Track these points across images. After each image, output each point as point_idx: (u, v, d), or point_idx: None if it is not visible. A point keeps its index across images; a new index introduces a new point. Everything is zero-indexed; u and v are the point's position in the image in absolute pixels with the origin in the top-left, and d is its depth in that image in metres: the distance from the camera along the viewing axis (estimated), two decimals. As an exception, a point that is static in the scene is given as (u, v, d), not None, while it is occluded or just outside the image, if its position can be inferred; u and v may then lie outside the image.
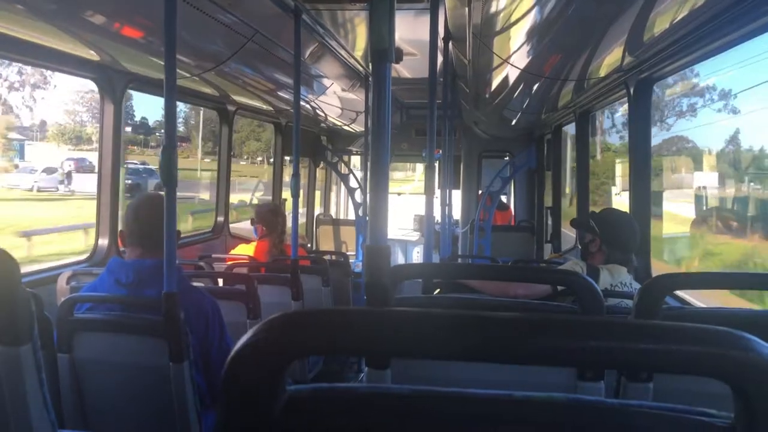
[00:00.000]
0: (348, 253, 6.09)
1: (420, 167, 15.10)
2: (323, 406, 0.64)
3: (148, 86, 4.16)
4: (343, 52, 4.88)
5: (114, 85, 3.79)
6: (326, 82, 5.65)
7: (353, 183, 7.81)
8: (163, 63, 2.27)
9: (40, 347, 1.61)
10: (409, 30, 4.37)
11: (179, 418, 2.21)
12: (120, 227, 2.47)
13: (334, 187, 9.71)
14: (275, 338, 0.60)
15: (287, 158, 7.16)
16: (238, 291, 3.07)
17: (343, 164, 8.11)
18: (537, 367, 1.16)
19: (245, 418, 0.61)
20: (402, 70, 5.78)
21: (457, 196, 7.88)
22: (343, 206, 9.90)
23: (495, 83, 4.69)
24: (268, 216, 4.51)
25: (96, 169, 3.86)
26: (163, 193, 2.27)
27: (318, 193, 9.05)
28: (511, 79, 4.27)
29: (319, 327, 0.60)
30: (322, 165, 8.55)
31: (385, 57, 1.65)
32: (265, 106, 6.02)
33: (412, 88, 6.62)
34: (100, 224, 3.84)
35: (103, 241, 3.82)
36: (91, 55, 3.38)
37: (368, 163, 6.84)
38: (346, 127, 8.14)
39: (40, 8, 2.59)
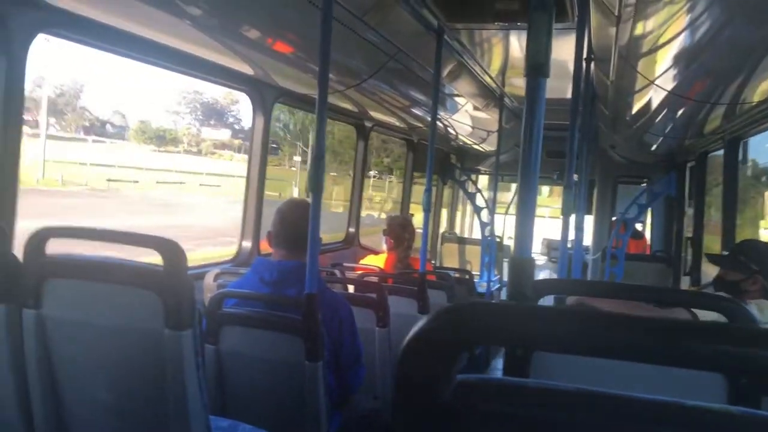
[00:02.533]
0: (473, 272, 6.08)
1: (546, 190, 14.74)
2: (491, 395, 0.68)
3: (296, 101, 4.41)
4: (479, 71, 4.91)
5: (264, 98, 4.05)
6: (460, 100, 5.71)
7: (480, 202, 7.79)
8: (309, 78, 2.42)
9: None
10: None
11: (310, 415, 2.32)
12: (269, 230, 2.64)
13: (460, 206, 9.72)
14: (451, 326, 0.64)
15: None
16: (368, 299, 3.17)
17: (471, 183, 8.11)
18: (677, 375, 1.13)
19: (418, 402, 0.66)
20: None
21: (588, 221, 7.63)
22: (468, 225, 9.88)
23: (637, 106, 4.54)
24: (398, 229, 4.61)
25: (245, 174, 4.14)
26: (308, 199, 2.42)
27: (444, 211, 9.09)
28: (655, 103, 4.11)
29: (493, 318, 0.64)
30: (449, 183, 8.59)
31: (540, 72, 1.67)
32: (398, 123, 6.17)
33: (548, 109, 6.51)
34: (245, 228, 4.11)
35: (247, 243, 4.09)
36: (246, 68, 3.63)
37: (497, 183, 6.78)
38: (475, 147, 8.15)
39: (205, 23, 2.83)
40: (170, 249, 1.74)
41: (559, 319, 0.63)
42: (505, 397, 0.67)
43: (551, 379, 0.74)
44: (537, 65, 1.66)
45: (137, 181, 37.83)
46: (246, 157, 4.34)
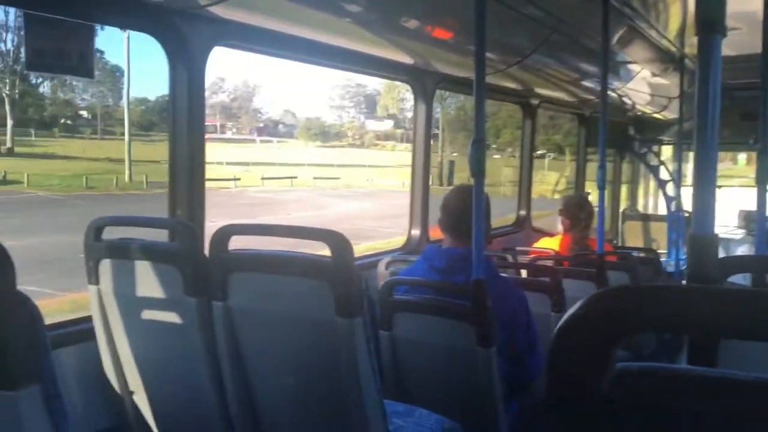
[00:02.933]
0: (659, 251, 5.66)
1: (742, 158, 13.32)
2: (655, 386, 0.61)
3: (456, 85, 4.37)
4: (654, 34, 4.54)
5: (425, 86, 4.07)
6: (634, 68, 5.33)
7: (664, 175, 7.22)
8: (469, 61, 2.38)
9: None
10: (733, 0, 3.89)
11: (486, 402, 2.29)
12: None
13: (641, 181, 9.10)
14: (607, 310, 0.59)
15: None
16: (542, 283, 3.07)
17: (652, 155, 7.55)
18: None
19: (572, 389, 0.61)
20: (723, 47, 5.17)
21: None
22: (652, 200, 9.23)
23: None
24: (574, 209, 4.41)
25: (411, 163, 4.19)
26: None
27: (624, 187, 8.57)
28: None
29: (649, 302, 0.57)
30: (628, 157, 8.07)
31: (713, 28, 1.50)
32: (567, 98, 5.90)
33: (737, 67, 5.87)
34: (413, 215, 4.17)
35: (416, 231, 4.15)
36: (406, 58, 3.67)
37: (681, 153, 6.24)
38: (656, 115, 7.57)
39: (365, 18, 2.89)
40: (338, 241, 1.80)
41: (730, 302, 0.54)
42: (672, 389, 0.59)
43: (743, 370, 0.65)
44: (710, 21, 1.49)
45: (295, 177, 39.35)
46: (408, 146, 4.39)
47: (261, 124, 56.44)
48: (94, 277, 2.16)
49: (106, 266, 2.13)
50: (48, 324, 2.26)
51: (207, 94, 2.63)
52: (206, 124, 2.62)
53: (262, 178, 38.35)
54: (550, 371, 0.62)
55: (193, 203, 2.58)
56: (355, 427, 1.87)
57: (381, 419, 1.87)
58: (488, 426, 2.31)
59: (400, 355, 2.50)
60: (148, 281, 2.06)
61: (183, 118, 2.57)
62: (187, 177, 2.57)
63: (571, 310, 0.64)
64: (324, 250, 1.85)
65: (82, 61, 2.28)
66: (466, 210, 2.41)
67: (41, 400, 1.03)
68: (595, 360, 0.60)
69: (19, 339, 1.01)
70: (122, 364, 2.21)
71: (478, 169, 2.34)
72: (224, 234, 1.99)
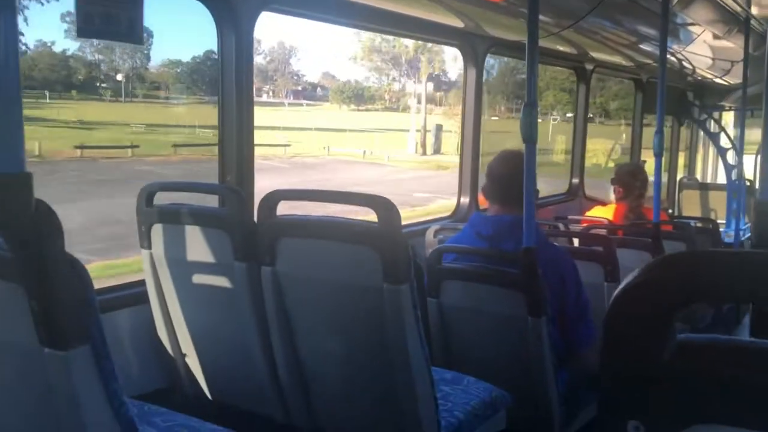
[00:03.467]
0: (718, 221, 5.47)
1: None
2: (719, 358, 0.57)
3: (507, 49, 4.26)
4: (717, -7, 4.32)
5: (476, 50, 3.97)
6: (695, 30, 5.09)
7: (725, 142, 6.95)
8: (521, 24, 2.30)
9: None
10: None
11: (535, 371, 2.26)
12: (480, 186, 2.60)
13: (700, 148, 8.79)
14: (666, 278, 0.55)
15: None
16: (595, 252, 3.00)
17: (713, 122, 7.26)
18: None
19: (631, 358, 0.58)
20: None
21: None
22: (711, 169, 8.91)
23: None
24: (627, 177, 4.29)
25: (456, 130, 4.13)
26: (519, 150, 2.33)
27: (682, 155, 8.29)
28: None
29: (718, 269, 0.53)
30: (687, 124, 7.78)
31: None
32: (623, 62, 5.69)
33: None
34: (462, 183, 4.11)
35: (465, 200, 4.09)
36: (456, 22, 3.58)
37: (744, 120, 5.98)
38: (717, 80, 7.25)
39: None
40: (385, 207, 1.78)
41: None
42: (735, 361, 0.55)
43: None
44: None
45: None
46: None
47: (299, 87, 54.76)
48: (146, 242, 2.20)
49: (158, 231, 2.17)
50: (103, 287, 2.34)
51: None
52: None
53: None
54: (607, 340, 0.59)
55: (242, 169, 2.59)
56: (402, 393, 1.87)
57: (429, 386, 1.86)
58: (537, 395, 2.28)
59: (448, 323, 2.48)
60: (198, 246, 2.08)
61: (231, 84, 2.57)
62: (237, 143, 2.58)
63: (628, 278, 0.60)
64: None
65: (130, 27, 2.28)
66: (513, 175, 2.36)
67: (91, 360, 1.06)
68: (655, 329, 0.57)
69: (69, 300, 1.03)
70: (174, 327, 2.26)
71: (529, 134, 2.28)
72: (272, 199, 2.00)
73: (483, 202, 3.89)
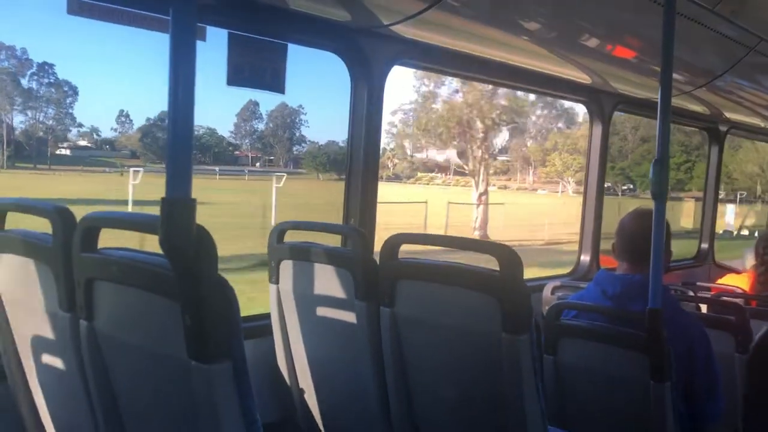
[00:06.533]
0: None
1: None
2: None
3: (635, 107, 4.18)
4: None
5: (603, 106, 3.93)
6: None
7: None
8: (651, 81, 2.27)
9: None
10: None
11: None
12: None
13: None
14: None
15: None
16: (726, 320, 2.82)
17: None
18: None
19: None
20: None
21: None
22: None
23: None
24: (760, 244, 4.02)
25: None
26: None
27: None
28: None
29: None
30: None
31: None
32: (761, 123, 5.40)
33: None
34: (583, 240, 4.02)
35: (585, 257, 3.99)
36: (583, 77, 3.57)
37: None
38: None
39: (543, 36, 2.87)
40: (508, 255, 1.79)
41: None
42: None
43: None
44: None
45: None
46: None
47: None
48: (275, 277, 2.31)
49: (286, 267, 2.28)
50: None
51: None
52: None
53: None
54: (752, 386, 0.57)
55: (365, 212, 2.69)
56: (515, 447, 1.83)
57: None
58: None
59: (564, 382, 2.41)
60: (322, 283, 2.17)
61: (360, 133, 2.70)
62: (362, 187, 2.69)
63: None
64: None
65: (275, 77, 2.47)
66: (644, 233, 2.29)
67: (231, 376, 1.13)
68: None
69: (218, 318, 1.12)
70: (294, 360, 2.34)
71: (659, 190, 2.22)
72: (395, 242, 2.05)
73: (605, 261, 3.78)
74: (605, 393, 2.32)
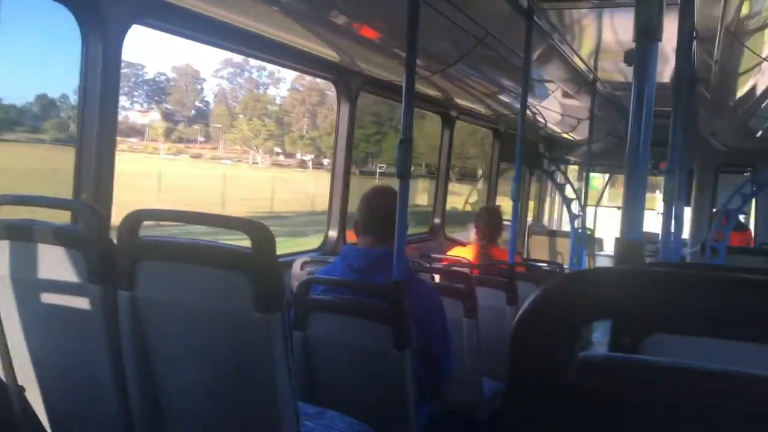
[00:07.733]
0: (564, 265, 5.87)
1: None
2: (618, 375, 0.59)
3: (381, 88, 4.36)
4: (570, 54, 4.72)
5: (350, 86, 4.03)
6: (549, 86, 5.51)
7: (569, 193, 7.52)
8: (394, 64, 2.37)
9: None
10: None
11: (398, 405, 2.26)
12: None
13: (547, 198, 9.45)
14: (571, 296, 0.56)
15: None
16: (456, 289, 3.09)
17: (560, 174, 7.85)
18: None
19: (536, 383, 0.58)
20: (629, 72, 5.44)
21: (685, 213, 7.24)
22: (557, 217, 9.59)
23: (742, 89, 4.23)
24: (480, 218, 4.50)
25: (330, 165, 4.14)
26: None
27: (531, 203, 8.86)
28: (762, 84, 3.82)
29: (627, 285, 0.55)
30: (536, 174, 8.37)
31: (652, 35, 1.53)
32: (484, 111, 6.02)
33: None
34: (330, 217, 4.11)
35: (333, 233, 4.09)
36: (333, 56, 3.62)
37: (585, 174, 6.52)
38: (565, 135, 7.88)
39: (293, 8, 2.83)
40: (260, 232, 1.71)
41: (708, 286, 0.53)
42: (641, 379, 0.57)
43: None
44: (649, 27, 1.52)
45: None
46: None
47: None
48: None
49: (2, 248, 1.95)
50: None
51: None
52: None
53: None
54: (513, 359, 0.59)
55: (100, 185, 2.41)
56: (266, 428, 1.79)
57: (294, 422, 1.80)
58: (399, 429, 2.28)
59: (313, 356, 2.43)
60: (48, 266, 1.89)
61: (95, 95, 2.41)
62: (96, 158, 2.41)
63: (528, 301, 0.61)
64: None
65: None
66: (389, 209, 2.39)
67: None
68: (561, 347, 0.58)
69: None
70: (11, 356, 2.02)
71: (403, 170, 2.33)
72: (134, 219, 1.85)
73: (351, 236, 3.90)
74: (352, 365, 2.39)
